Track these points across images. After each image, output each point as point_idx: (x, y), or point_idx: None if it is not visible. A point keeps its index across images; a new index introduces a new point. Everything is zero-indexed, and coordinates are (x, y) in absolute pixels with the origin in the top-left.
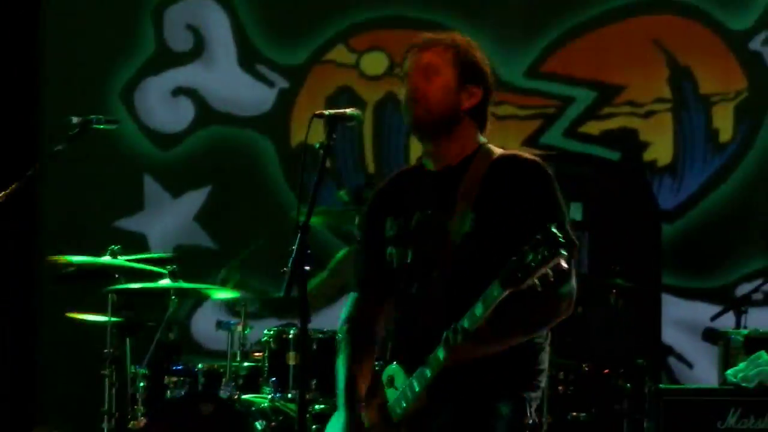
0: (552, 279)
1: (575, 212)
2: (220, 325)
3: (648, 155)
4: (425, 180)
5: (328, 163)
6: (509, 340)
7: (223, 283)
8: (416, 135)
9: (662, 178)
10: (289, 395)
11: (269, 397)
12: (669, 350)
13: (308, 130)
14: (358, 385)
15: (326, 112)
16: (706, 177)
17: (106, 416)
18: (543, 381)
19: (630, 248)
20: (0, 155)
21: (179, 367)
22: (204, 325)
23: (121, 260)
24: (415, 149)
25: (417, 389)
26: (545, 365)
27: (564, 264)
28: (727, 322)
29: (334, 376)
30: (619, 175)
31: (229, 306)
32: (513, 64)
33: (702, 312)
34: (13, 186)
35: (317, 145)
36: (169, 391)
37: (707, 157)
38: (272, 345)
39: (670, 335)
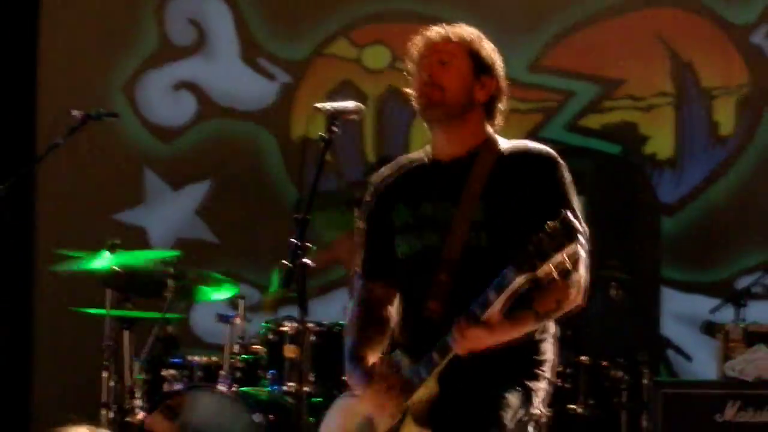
0: (567, 266)
1: None
2: (218, 318)
3: (648, 149)
4: (433, 169)
5: (328, 157)
6: (521, 328)
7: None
8: (428, 121)
9: (662, 171)
10: (284, 387)
11: (267, 389)
12: (668, 343)
13: (309, 124)
14: (366, 357)
15: (327, 106)
16: (706, 171)
17: (104, 409)
18: (548, 372)
19: (630, 241)
20: (0, 148)
21: (178, 360)
22: (203, 318)
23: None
24: (416, 144)
25: (425, 376)
26: (548, 355)
27: (581, 251)
28: (727, 315)
29: (333, 369)
30: (619, 169)
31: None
32: (514, 57)
33: (701, 305)
34: (12, 178)
35: (318, 139)
36: (167, 384)
37: (708, 151)
38: (271, 338)
39: (669, 328)
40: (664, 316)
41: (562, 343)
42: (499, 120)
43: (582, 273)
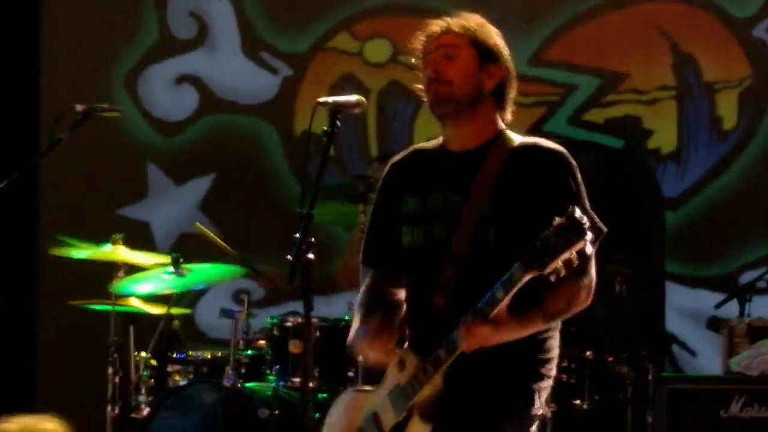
0: (576, 264)
1: None
2: (223, 313)
3: (652, 143)
4: (443, 161)
5: (331, 151)
6: (529, 328)
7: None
8: (438, 115)
9: (666, 165)
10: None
11: (272, 385)
12: (672, 338)
13: (312, 118)
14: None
15: (329, 100)
16: (710, 164)
17: (109, 404)
18: (552, 369)
19: (634, 236)
20: (2, 143)
21: (182, 356)
22: (207, 314)
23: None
24: (419, 138)
25: (431, 373)
26: (553, 353)
27: (589, 248)
28: (731, 310)
29: (337, 365)
30: (622, 163)
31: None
32: (516, 51)
33: (706, 300)
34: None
35: (321, 133)
36: (171, 380)
37: (711, 145)
38: (275, 333)
39: (673, 323)
40: (668, 311)
41: (566, 338)
42: (510, 109)
43: (593, 274)
